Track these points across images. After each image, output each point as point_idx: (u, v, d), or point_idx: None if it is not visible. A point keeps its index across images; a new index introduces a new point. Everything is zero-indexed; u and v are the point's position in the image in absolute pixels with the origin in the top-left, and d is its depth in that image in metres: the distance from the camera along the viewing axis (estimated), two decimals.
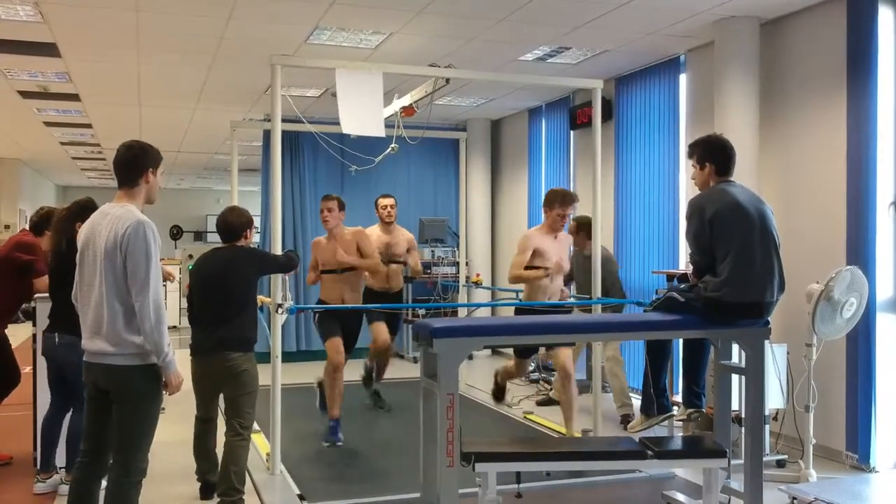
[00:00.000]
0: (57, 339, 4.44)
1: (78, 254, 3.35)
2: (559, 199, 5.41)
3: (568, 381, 5.42)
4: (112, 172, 3.74)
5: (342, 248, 5.71)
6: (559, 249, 5.46)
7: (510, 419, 6.59)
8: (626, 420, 6.21)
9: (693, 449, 3.79)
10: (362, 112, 5.08)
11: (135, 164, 3.34)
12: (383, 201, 6.71)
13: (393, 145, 6.05)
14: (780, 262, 3.74)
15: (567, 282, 6.09)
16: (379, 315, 6.30)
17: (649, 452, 3.58)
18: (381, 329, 6.26)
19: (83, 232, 3.36)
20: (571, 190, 8.69)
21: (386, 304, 6.54)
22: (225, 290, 4.22)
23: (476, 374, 8.49)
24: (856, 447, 5.13)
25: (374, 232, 6.65)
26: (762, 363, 3.66)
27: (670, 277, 6.10)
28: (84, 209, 4.43)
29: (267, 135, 9.50)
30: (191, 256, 12.13)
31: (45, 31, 6.31)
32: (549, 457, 3.65)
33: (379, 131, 5.19)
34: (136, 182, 3.34)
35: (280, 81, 4.93)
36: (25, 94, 8.81)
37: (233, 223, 4.37)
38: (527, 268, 5.40)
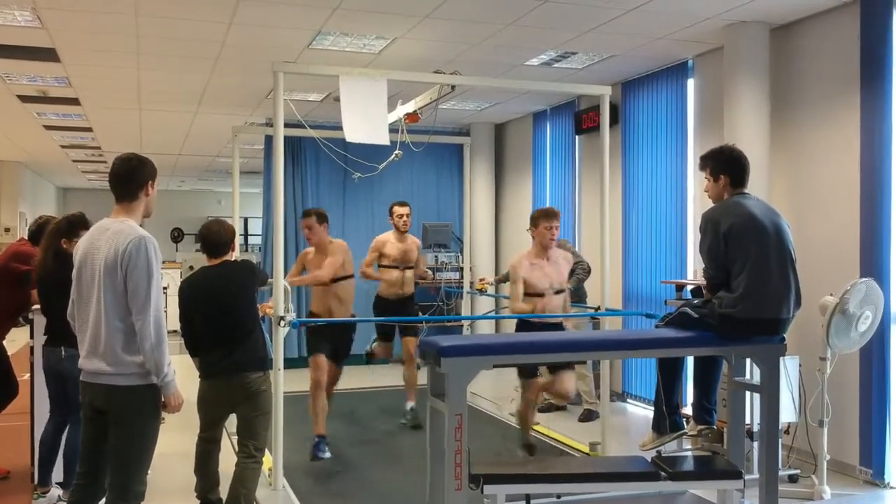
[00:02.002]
0: (63, 353, 4.35)
1: (74, 270, 3.26)
2: (543, 215, 5.35)
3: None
4: None
5: (330, 260, 5.64)
6: (551, 270, 5.33)
7: (516, 430, 6.48)
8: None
9: (708, 470, 3.69)
10: (366, 120, 4.98)
11: (134, 177, 3.24)
12: (399, 210, 6.64)
13: (397, 152, 5.95)
14: (797, 277, 3.64)
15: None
16: (392, 328, 6.42)
17: (663, 474, 3.48)
18: (410, 343, 6.59)
19: (80, 248, 3.26)
20: (577, 193, 8.63)
21: (399, 309, 6.56)
22: (234, 311, 4.08)
23: (480, 382, 8.37)
24: (870, 462, 5.04)
25: (389, 239, 6.64)
26: (777, 380, 3.56)
27: (679, 287, 5.99)
28: (72, 226, 4.37)
29: (269, 139, 9.41)
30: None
31: (44, 36, 6.21)
32: (561, 478, 3.55)
33: (383, 139, 5.09)
34: (136, 195, 3.25)
35: (282, 89, 4.83)
36: (25, 99, 8.72)
37: (223, 237, 4.18)
38: (525, 294, 5.34)
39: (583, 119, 8.24)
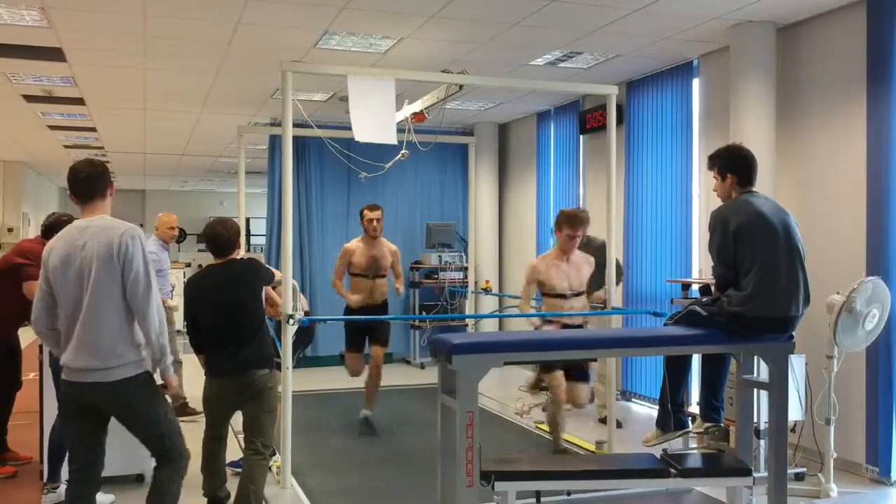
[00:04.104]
0: None
1: (52, 271, 3.27)
2: (566, 220, 5.30)
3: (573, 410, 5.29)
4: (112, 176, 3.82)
5: None
6: (571, 272, 5.32)
7: (522, 429, 6.50)
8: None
9: (717, 467, 3.70)
10: (374, 120, 5.00)
11: (101, 177, 3.43)
12: (369, 213, 6.16)
13: (403, 151, 5.97)
14: (806, 274, 3.65)
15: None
16: (362, 335, 6.26)
17: (672, 471, 3.49)
18: (378, 351, 6.27)
19: (57, 249, 3.29)
20: (581, 193, 8.62)
21: (371, 316, 6.16)
22: (241, 310, 4.09)
23: (484, 381, 8.37)
24: (876, 460, 5.05)
25: (358, 246, 6.24)
26: (786, 378, 3.57)
27: (685, 286, 6.00)
28: None
29: (273, 139, 9.41)
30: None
31: (51, 35, 6.23)
32: (572, 475, 3.56)
33: (391, 139, 5.11)
34: (105, 194, 3.42)
35: (291, 88, 4.85)
36: (30, 99, 8.74)
37: (227, 237, 4.19)
38: (544, 294, 5.34)
39: (587, 119, 8.25)
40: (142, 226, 6.61)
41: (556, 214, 5.58)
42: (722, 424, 4.17)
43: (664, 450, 3.87)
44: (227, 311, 4.08)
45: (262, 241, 16.47)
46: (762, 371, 3.88)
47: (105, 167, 3.47)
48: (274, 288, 4.91)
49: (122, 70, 7.37)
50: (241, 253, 4.37)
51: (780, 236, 3.61)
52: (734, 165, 3.79)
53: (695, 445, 5.27)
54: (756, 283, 3.54)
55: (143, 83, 7.97)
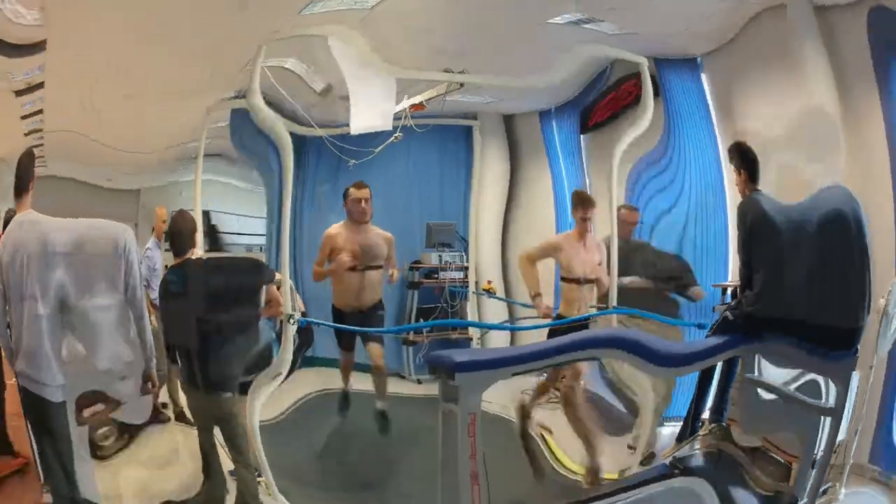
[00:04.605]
0: None
1: (8, 268, 3.14)
2: (579, 202, 4.99)
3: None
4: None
5: None
6: (587, 258, 4.99)
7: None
8: None
9: None
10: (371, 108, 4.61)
11: (28, 170, 3.41)
12: (356, 193, 5.29)
13: (397, 134, 5.45)
14: (870, 278, 3.31)
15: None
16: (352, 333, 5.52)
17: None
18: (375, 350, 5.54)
19: (9, 247, 3.18)
20: (588, 183, 8.18)
21: (363, 324, 5.49)
22: (208, 319, 3.79)
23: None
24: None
25: (340, 233, 5.37)
26: (846, 400, 3.21)
27: (723, 291, 5.62)
28: None
29: (236, 114, 8.58)
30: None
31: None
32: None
33: (386, 125, 4.70)
34: (28, 187, 3.36)
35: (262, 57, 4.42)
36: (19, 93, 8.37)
37: (186, 231, 3.99)
38: (562, 279, 5.06)
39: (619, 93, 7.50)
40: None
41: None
42: (724, 423, 3.99)
43: (673, 456, 3.86)
44: (196, 318, 3.79)
45: (232, 238, 15.83)
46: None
47: (31, 159, 3.39)
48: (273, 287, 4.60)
49: (104, 59, 6.99)
50: (197, 252, 3.95)
51: (792, 238, 3.34)
52: (743, 162, 3.71)
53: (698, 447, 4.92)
54: (763, 282, 3.38)
55: (128, 72, 7.58)
